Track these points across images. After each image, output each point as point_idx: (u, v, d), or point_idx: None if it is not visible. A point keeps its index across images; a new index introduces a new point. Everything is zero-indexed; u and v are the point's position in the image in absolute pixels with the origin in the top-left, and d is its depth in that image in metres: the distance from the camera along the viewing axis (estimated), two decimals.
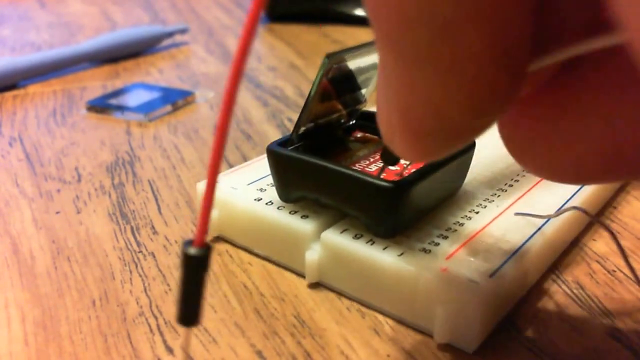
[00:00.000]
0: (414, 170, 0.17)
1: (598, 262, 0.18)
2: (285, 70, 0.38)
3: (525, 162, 0.11)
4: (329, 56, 0.16)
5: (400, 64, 0.09)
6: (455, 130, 0.09)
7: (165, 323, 0.16)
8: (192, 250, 0.11)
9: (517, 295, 0.17)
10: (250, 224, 0.19)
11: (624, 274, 0.18)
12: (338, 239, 0.17)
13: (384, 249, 0.16)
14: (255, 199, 0.19)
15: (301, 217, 0.18)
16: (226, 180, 0.20)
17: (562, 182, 0.11)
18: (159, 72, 0.38)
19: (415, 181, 0.16)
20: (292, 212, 0.18)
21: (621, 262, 0.18)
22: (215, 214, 0.19)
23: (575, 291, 0.17)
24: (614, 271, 0.18)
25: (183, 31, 0.44)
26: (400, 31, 0.08)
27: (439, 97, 0.09)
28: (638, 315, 0.16)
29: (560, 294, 0.17)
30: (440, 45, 0.08)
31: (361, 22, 0.46)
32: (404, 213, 0.16)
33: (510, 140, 0.11)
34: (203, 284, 0.11)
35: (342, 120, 0.20)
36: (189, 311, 0.11)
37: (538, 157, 0.11)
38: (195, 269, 0.11)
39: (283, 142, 0.18)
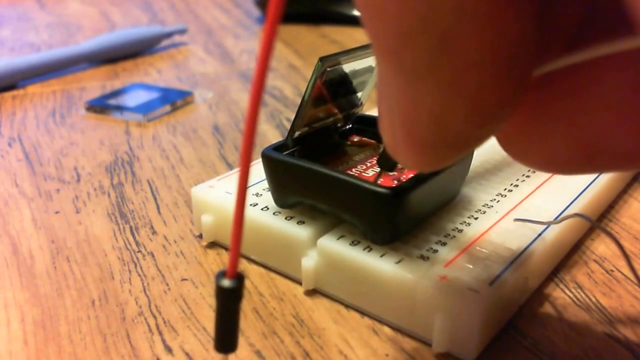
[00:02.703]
0: (411, 175, 0.16)
1: (596, 262, 0.18)
2: (284, 70, 0.38)
3: (514, 155, 0.11)
4: (322, 59, 0.16)
5: (401, 77, 0.09)
6: (460, 140, 0.09)
7: (164, 323, 0.16)
8: (225, 282, 0.11)
9: (517, 303, 0.16)
10: (246, 230, 0.18)
11: (622, 273, 0.18)
12: (335, 246, 0.16)
13: (381, 256, 0.16)
14: (250, 204, 0.18)
15: (297, 223, 0.17)
16: (221, 184, 0.20)
17: (547, 172, 0.11)
18: (158, 72, 0.38)
19: (413, 187, 0.16)
20: (288, 218, 0.18)
21: (619, 262, 0.18)
22: (209, 219, 0.19)
23: (573, 291, 0.17)
24: (612, 271, 0.18)
25: (182, 32, 0.44)
26: (399, 44, 0.08)
27: (441, 109, 0.09)
28: (636, 315, 0.16)
29: (558, 294, 0.17)
30: (440, 56, 0.08)
31: (360, 22, 0.46)
32: (402, 219, 0.16)
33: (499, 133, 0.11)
34: (238, 312, 0.11)
35: (339, 124, 0.19)
36: (226, 339, 0.11)
37: (526, 150, 0.11)
38: (229, 299, 0.11)
39: (278, 147, 0.17)
